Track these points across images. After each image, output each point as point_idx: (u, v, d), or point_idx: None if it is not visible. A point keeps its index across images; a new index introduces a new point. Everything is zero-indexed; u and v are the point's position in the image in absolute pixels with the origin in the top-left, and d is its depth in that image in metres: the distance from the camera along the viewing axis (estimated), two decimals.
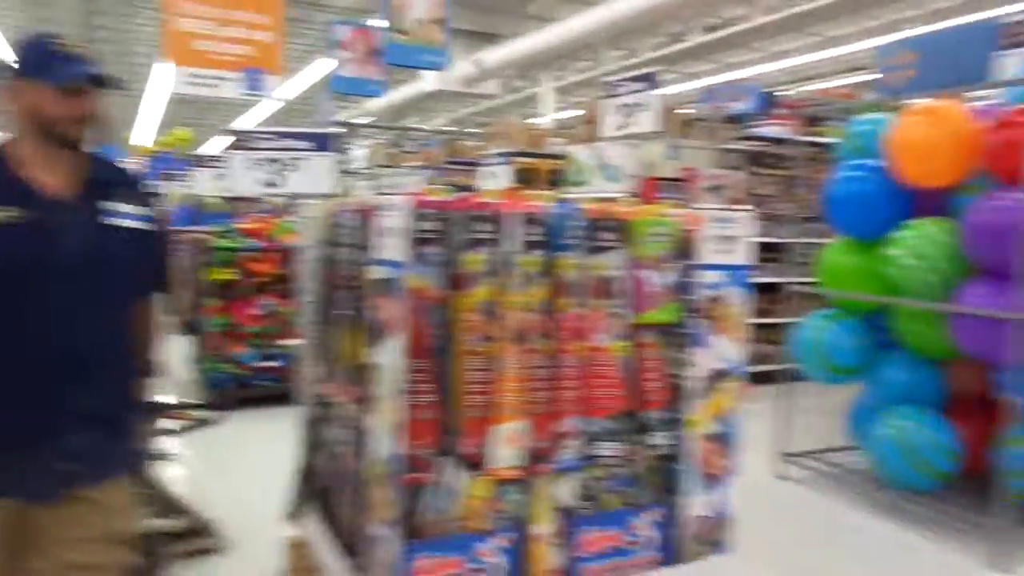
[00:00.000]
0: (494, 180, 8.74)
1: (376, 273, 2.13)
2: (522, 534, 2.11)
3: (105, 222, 2.01)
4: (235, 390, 5.43)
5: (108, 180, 2.08)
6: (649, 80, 6.09)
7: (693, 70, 20.28)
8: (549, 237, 2.12)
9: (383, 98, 22.92)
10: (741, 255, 2.35)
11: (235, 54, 9.13)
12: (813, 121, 6.84)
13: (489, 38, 17.77)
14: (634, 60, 17.76)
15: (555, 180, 8.85)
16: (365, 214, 2.36)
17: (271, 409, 5.49)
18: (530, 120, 15.85)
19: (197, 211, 9.44)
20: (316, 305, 2.84)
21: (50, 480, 1.96)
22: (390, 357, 2.01)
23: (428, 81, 18.01)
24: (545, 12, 18.66)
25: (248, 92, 9.35)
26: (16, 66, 1.99)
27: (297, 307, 3.02)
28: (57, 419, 1.96)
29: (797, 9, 12.42)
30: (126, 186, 2.12)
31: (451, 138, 15.02)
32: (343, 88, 11.81)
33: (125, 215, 2.06)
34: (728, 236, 2.33)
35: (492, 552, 2.09)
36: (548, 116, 19.95)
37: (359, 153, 21.43)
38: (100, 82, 2.00)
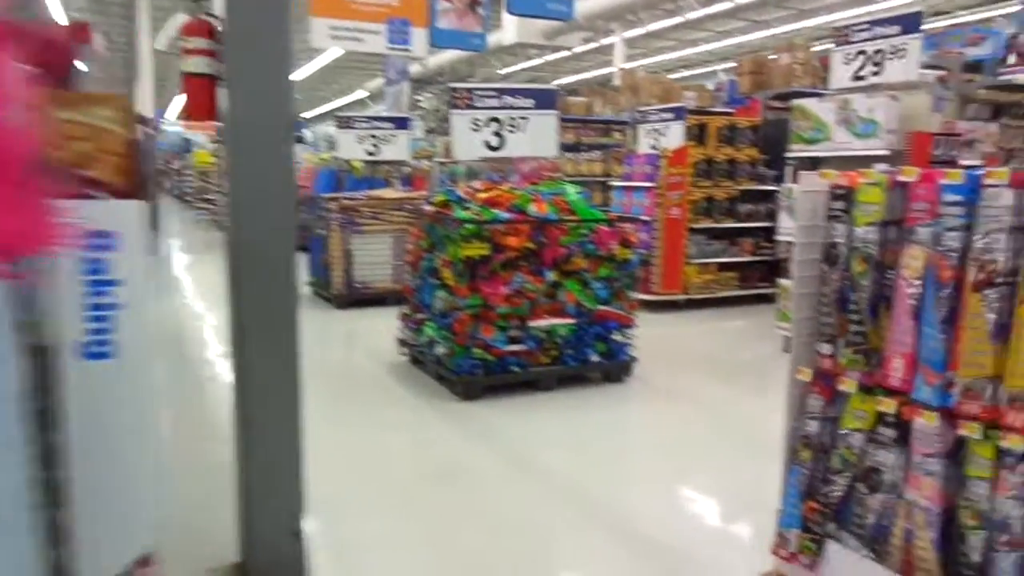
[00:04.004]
0: (663, 139, 8.14)
1: None
2: None
3: None
4: (482, 377, 4.94)
5: None
6: (909, 23, 5.44)
7: (765, 17, 19.41)
8: None
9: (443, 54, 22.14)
10: None
11: (379, 3, 8.51)
12: None
13: None
14: (714, 8, 16.98)
15: (730, 137, 8.23)
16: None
17: (519, 397, 5.02)
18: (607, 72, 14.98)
19: (343, 177, 8.87)
20: (842, 295, 2.31)
21: None
22: None
23: (509, 33, 17.25)
24: None
25: (392, 45, 8.73)
26: None
27: (787, 291, 2.49)
28: None
29: None
30: None
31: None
32: (444, 41, 11.04)
33: None
34: None
35: None
36: (619, 68, 19.08)
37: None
38: None
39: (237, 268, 2.63)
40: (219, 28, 2.57)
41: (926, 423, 2.09)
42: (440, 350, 5.14)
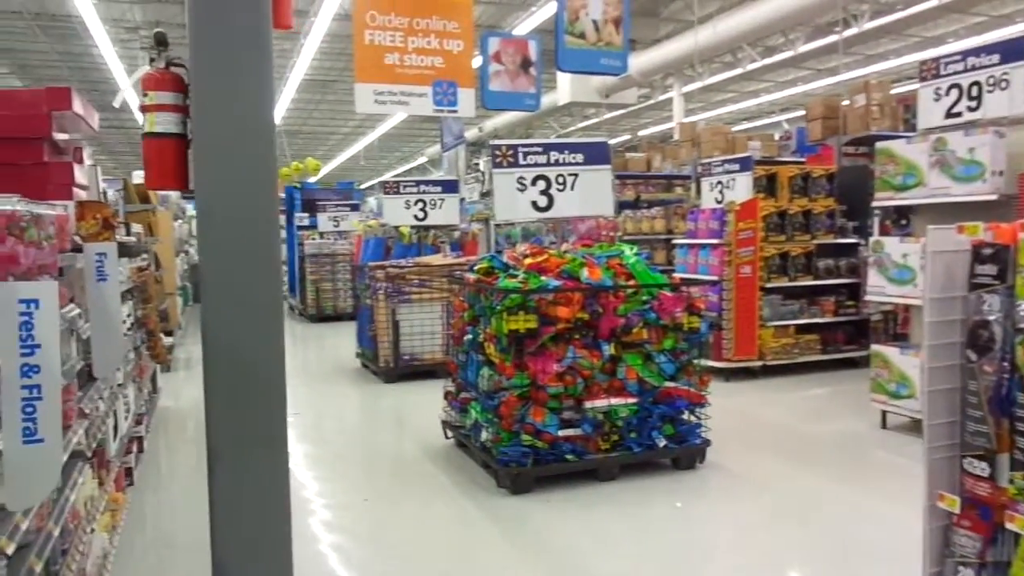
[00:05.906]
0: (729, 192, 7.53)
1: None
2: None
3: None
4: (533, 467, 4.33)
5: None
6: (1011, 50, 4.77)
7: (828, 65, 18.77)
8: None
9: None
10: None
11: (425, 66, 8.25)
12: None
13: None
14: (776, 58, 16.34)
15: (804, 187, 7.58)
16: None
17: (576, 489, 4.38)
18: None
19: (391, 244, 8.50)
20: (1002, 394, 1.67)
21: None
22: None
23: (563, 92, 16.98)
24: (678, 14, 17.45)
25: (439, 107, 8.43)
26: None
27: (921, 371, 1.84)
28: None
29: None
30: None
31: (617, 151, 13.89)
32: (496, 103, 10.71)
33: None
34: None
35: None
36: (677, 122, 18.58)
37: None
38: None
39: (213, 383, 2.13)
40: (188, 79, 2.15)
41: None
42: (486, 435, 4.56)
